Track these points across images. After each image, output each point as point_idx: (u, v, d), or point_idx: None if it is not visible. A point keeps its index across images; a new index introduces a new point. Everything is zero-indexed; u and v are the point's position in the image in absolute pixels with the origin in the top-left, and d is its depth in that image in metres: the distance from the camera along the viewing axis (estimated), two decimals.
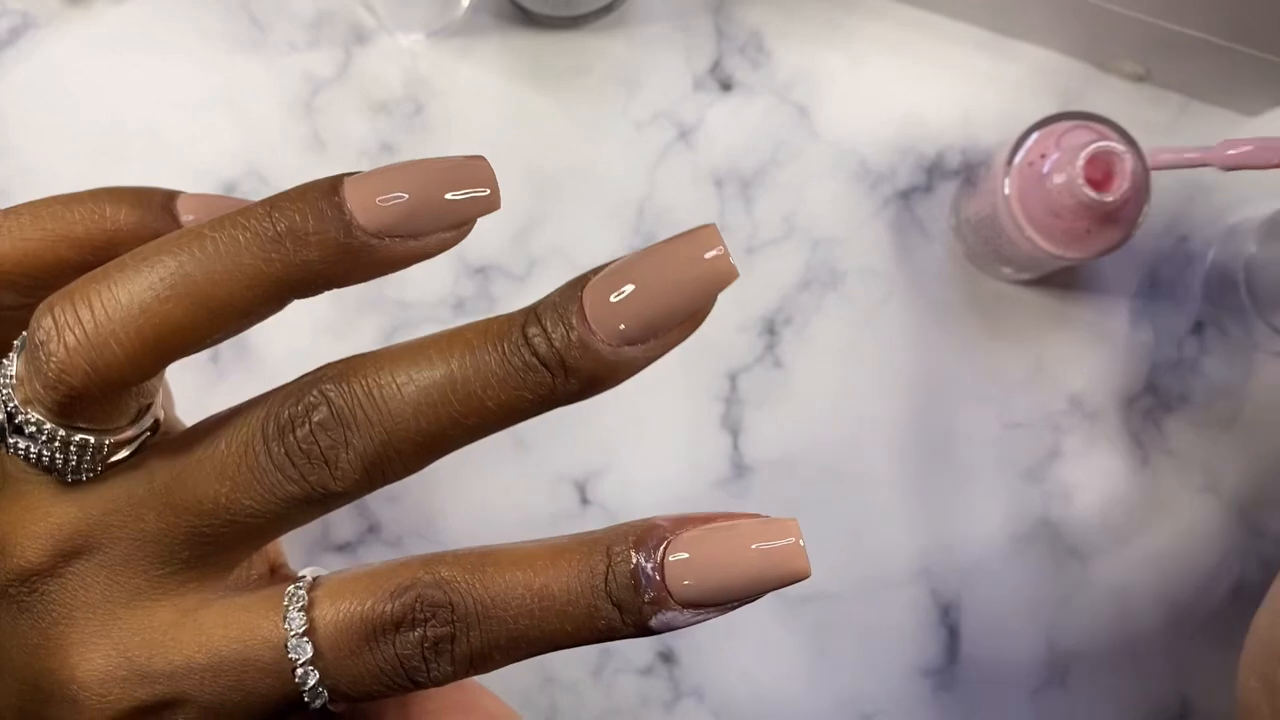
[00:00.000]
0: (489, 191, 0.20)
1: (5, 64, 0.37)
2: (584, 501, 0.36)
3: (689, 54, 0.38)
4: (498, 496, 0.35)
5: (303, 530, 0.35)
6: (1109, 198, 0.31)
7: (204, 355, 0.36)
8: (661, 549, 0.19)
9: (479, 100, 0.37)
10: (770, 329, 0.36)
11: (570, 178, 0.37)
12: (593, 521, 0.36)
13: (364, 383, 0.19)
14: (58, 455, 0.19)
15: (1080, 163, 0.31)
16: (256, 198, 0.21)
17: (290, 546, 0.36)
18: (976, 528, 0.36)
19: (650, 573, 0.19)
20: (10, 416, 0.19)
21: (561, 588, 0.19)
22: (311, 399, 0.19)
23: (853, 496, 0.36)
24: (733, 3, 0.38)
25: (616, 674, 0.35)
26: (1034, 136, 0.33)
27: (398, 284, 0.36)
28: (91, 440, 0.20)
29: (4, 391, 0.19)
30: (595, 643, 0.19)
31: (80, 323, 0.19)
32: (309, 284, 0.19)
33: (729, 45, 0.38)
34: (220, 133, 0.37)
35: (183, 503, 0.20)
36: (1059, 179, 0.32)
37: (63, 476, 0.20)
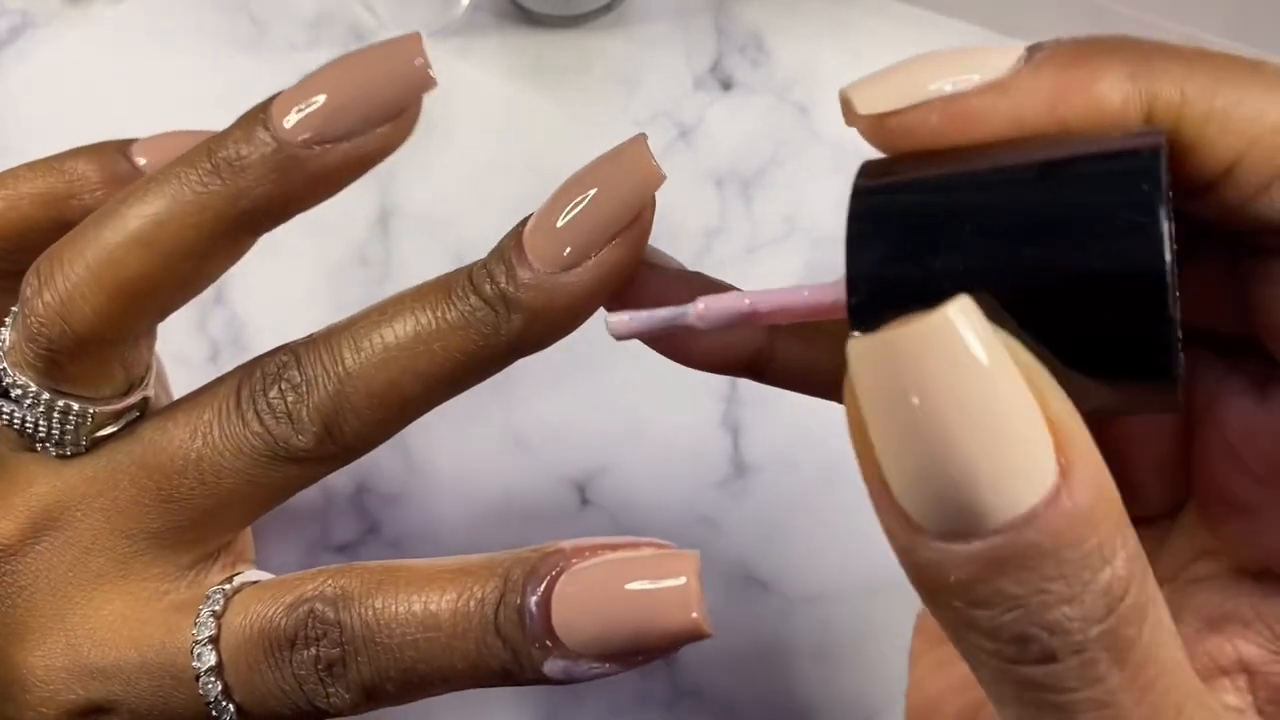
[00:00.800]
0: (417, 64, 0.19)
1: (4, 64, 0.37)
2: (584, 502, 0.36)
3: (689, 53, 0.38)
4: (497, 497, 0.35)
5: (302, 531, 0.35)
6: None
7: (202, 354, 0.36)
8: (548, 582, 0.18)
9: (478, 99, 0.37)
10: None
11: None
12: (592, 523, 0.36)
13: (327, 341, 0.19)
14: (42, 421, 0.19)
15: None
16: None
17: (289, 548, 0.35)
18: None
19: (534, 609, 0.17)
20: None
21: (449, 617, 0.18)
22: (281, 359, 0.20)
23: (854, 496, 0.36)
24: (733, 1, 0.38)
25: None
26: None
27: (397, 284, 0.36)
28: (75, 407, 0.20)
29: None
30: (499, 685, 0.18)
31: (53, 279, 0.19)
32: (256, 212, 0.19)
33: (729, 44, 0.38)
34: None
35: (155, 461, 0.20)
36: None
37: (47, 446, 0.20)
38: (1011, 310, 0.15)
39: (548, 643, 0.17)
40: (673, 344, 0.21)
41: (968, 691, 0.23)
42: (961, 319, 0.13)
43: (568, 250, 0.19)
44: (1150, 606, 0.14)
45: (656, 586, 0.17)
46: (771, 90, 0.38)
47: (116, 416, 0.20)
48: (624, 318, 0.19)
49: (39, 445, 0.20)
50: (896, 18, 0.38)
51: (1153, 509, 0.20)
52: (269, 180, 0.19)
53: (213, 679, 0.19)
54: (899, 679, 0.36)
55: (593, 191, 0.19)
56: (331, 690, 0.18)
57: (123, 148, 0.23)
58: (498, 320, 0.19)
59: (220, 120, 0.37)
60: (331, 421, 0.19)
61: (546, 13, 0.37)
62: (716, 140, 0.37)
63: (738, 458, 0.36)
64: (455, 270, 0.20)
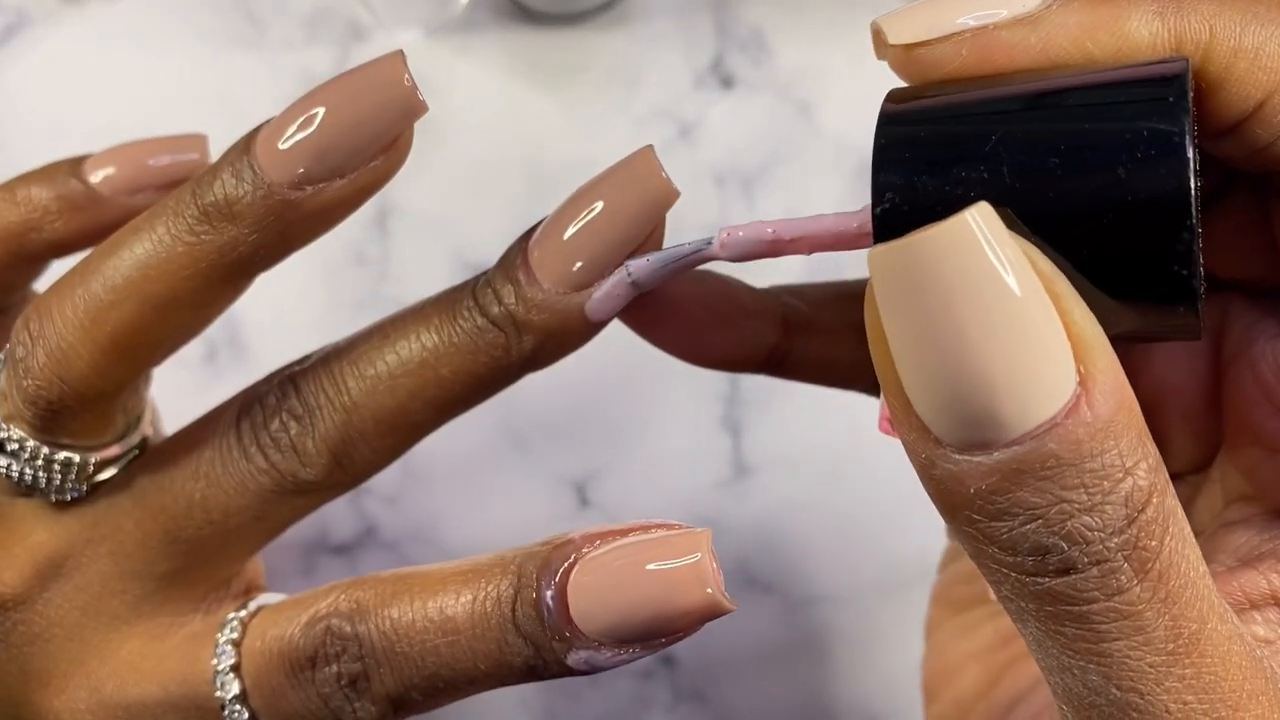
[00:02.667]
0: (406, 85, 0.18)
1: (0, 62, 0.37)
2: (583, 503, 0.35)
3: (689, 51, 0.37)
4: (496, 498, 0.35)
5: (300, 533, 0.35)
6: None
7: (199, 356, 0.35)
8: (562, 573, 0.17)
9: (477, 98, 0.37)
10: None
11: (570, 176, 0.36)
12: (592, 524, 0.35)
13: (328, 368, 0.19)
14: (40, 474, 0.19)
15: None
16: None
17: (287, 549, 0.35)
18: None
19: (550, 602, 0.17)
20: None
21: (466, 619, 0.18)
22: (280, 390, 0.19)
23: (855, 497, 0.36)
24: None
25: (616, 677, 0.35)
26: None
27: (395, 283, 0.36)
28: (76, 459, 0.19)
29: None
30: (524, 682, 0.18)
31: (45, 336, 0.18)
32: (251, 259, 0.18)
33: (730, 42, 0.38)
34: (217, 131, 0.37)
35: (159, 505, 0.19)
36: None
37: (46, 496, 0.19)
38: (1035, 226, 0.15)
39: (568, 634, 0.17)
40: (688, 344, 0.21)
41: (989, 656, 0.23)
42: (979, 223, 0.13)
43: (578, 266, 0.18)
44: (1171, 519, 0.14)
45: (670, 566, 0.17)
46: (772, 88, 0.37)
47: (116, 460, 0.20)
48: (641, 263, 0.18)
49: (37, 494, 0.20)
50: None
51: (1184, 464, 0.20)
52: (262, 227, 0.18)
53: (238, 707, 0.18)
54: (900, 680, 0.36)
55: (600, 205, 0.18)
56: (358, 705, 0.18)
57: (75, 168, 0.23)
58: (508, 342, 0.18)
59: (217, 119, 0.37)
60: (340, 452, 0.19)
61: (545, 10, 0.37)
62: (717, 138, 0.37)
63: (738, 458, 0.36)
64: (458, 286, 0.19)
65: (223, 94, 0.37)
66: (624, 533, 0.18)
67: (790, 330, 0.21)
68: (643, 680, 0.35)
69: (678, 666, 0.35)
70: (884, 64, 0.39)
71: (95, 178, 0.22)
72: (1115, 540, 0.13)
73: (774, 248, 0.18)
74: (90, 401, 0.19)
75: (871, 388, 0.23)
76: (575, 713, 0.35)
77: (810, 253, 0.18)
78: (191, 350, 0.35)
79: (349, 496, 0.35)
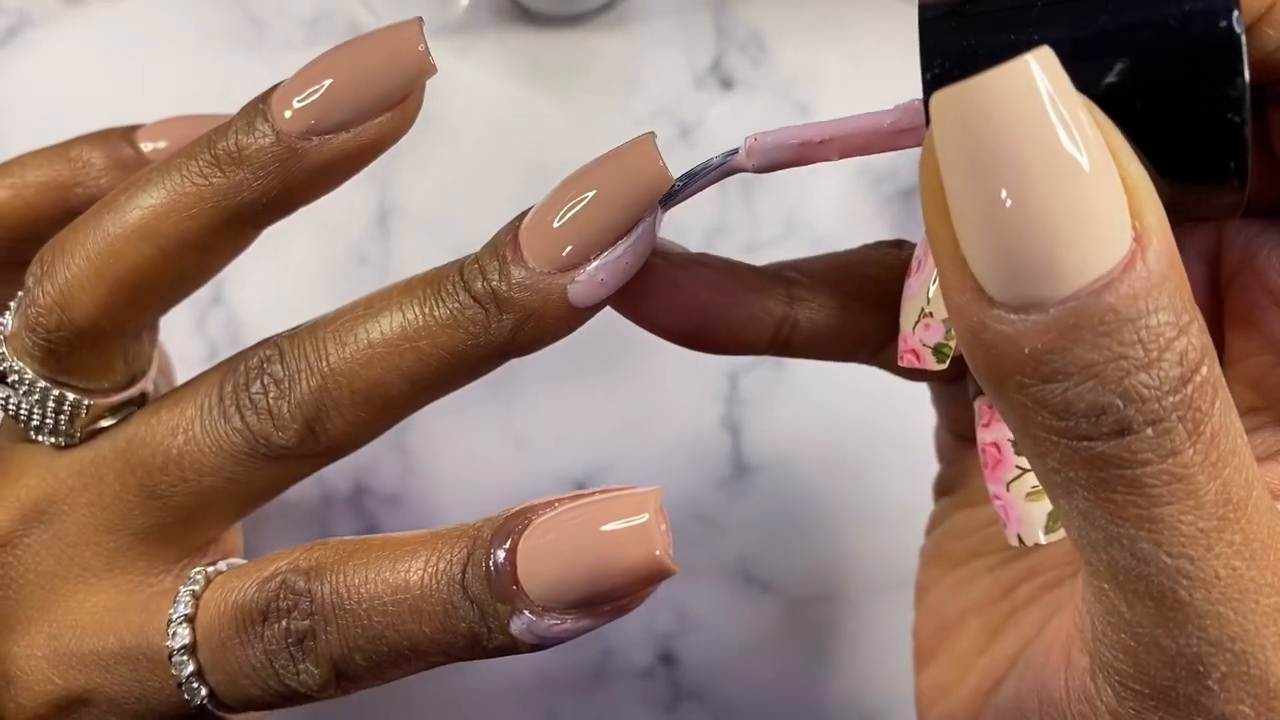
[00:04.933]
0: (419, 50, 0.18)
1: (2, 63, 0.37)
2: None
3: (689, 52, 0.37)
4: (497, 497, 0.35)
5: (301, 532, 0.35)
6: None
7: (201, 356, 0.36)
8: (514, 537, 0.17)
9: (477, 98, 0.37)
10: None
11: None
12: None
13: (313, 335, 0.19)
14: (36, 410, 0.19)
15: None
16: None
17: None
18: None
19: (499, 562, 0.17)
20: None
21: (417, 580, 0.18)
22: (265, 354, 0.19)
23: (854, 496, 0.36)
24: (733, 0, 0.38)
25: (616, 676, 0.35)
26: None
27: (399, 278, 0.36)
28: (71, 397, 0.19)
29: None
30: (468, 655, 0.17)
31: (54, 269, 0.19)
32: (256, 205, 0.19)
33: (729, 43, 0.38)
34: None
35: (138, 457, 0.19)
36: None
37: (40, 435, 0.20)
38: (1085, 87, 0.15)
39: (513, 595, 0.17)
40: (696, 331, 0.21)
41: (990, 608, 0.23)
42: (1042, 66, 0.13)
43: (567, 250, 0.18)
44: (1220, 384, 0.14)
45: (616, 526, 0.17)
46: (772, 89, 0.37)
47: (113, 410, 0.20)
48: (670, 190, 0.18)
49: (34, 434, 0.20)
50: (897, 15, 0.38)
51: None
52: (268, 173, 0.18)
53: (185, 658, 0.18)
54: (899, 678, 0.36)
55: (592, 192, 0.18)
56: (302, 667, 0.18)
57: (127, 134, 0.23)
58: (487, 319, 0.18)
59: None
60: (314, 419, 0.19)
61: (546, 11, 0.37)
62: (717, 139, 0.37)
63: (738, 458, 0.36)
64: (447, 264, 0.20)
65: (223, 94, 0.37)
66: (579, 497, 0.18)
67: (794, 303, 0.21)
68: (643, 679, 0.35)
69: (678, 666, 0.35)
70: (883, 65, 0.39)
71: (147, 146, 0.23)
72: (1171, 399, 0.13)
73: (803, 151, 0.17)
74: (90, 338, 0.19)
75: (875, 355, 0.23)
76: (576, 711, 0.35)
77: (840, 157, 0.18)
78: (194, 350, 0.36)
79: (349, 495, 0.35)
